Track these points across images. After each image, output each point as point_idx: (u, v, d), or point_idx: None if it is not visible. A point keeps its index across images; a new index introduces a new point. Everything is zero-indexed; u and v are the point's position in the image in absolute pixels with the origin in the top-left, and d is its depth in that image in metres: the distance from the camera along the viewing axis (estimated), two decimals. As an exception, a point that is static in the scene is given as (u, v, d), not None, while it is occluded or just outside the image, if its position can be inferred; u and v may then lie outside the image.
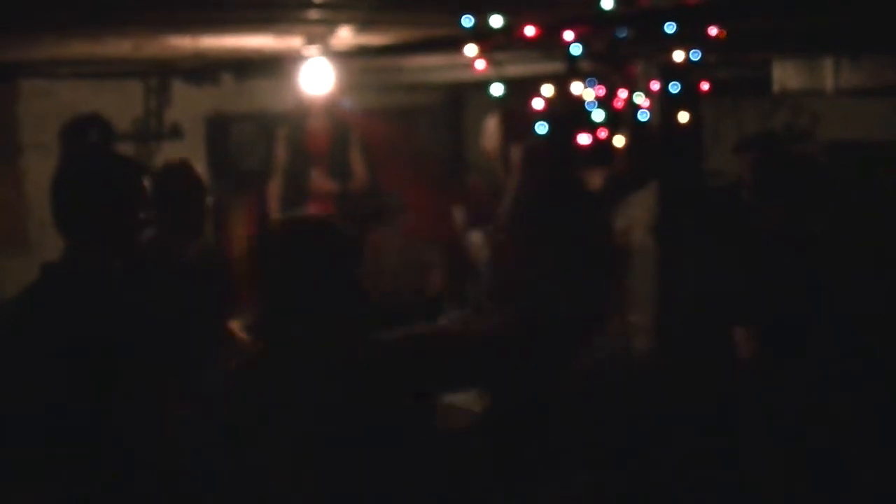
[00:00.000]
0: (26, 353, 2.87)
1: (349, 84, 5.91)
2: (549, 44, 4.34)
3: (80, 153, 6.04)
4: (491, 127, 5.47)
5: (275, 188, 6.74)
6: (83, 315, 2.90)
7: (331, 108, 6.46)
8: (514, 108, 5.03)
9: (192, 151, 6.94)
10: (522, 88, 4.86)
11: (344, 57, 5.39)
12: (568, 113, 4.60)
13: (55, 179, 3.05)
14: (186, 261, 4.26)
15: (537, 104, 4.53)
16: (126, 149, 6.67)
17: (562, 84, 4.53)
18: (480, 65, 4.44)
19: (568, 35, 4.17)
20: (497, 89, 4.62)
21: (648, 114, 4.81)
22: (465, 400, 5.24)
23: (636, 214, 5.92)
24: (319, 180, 6.55)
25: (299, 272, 2.81)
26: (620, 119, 4.71)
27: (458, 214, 6.35)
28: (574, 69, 4.45)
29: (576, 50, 4.23)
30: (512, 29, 4.09)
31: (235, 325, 4.14)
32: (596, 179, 5.07)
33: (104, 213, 2.98)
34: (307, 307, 2.78)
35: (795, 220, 5.90)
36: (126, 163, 3.18)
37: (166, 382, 2.97)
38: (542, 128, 4.51)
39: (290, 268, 2.83)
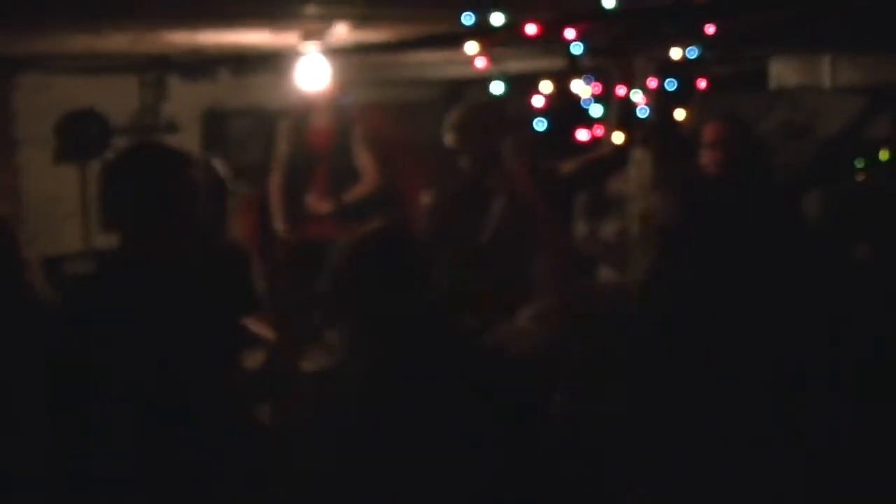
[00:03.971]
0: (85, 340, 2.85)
1: (346, 80, 5.89)
2: (550, 41, 4.33)
3: (80, 145, 6.06)
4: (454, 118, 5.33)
5: (276, 181, 6.65)
6: (134, 309, 2.86)
7: (333, 104, 6.40)
8: (494, 104, 4.93)
9: (187, 146, 6.93)
10: (522, 85, 4.85)
11: (341, 53, 5.38)
12: (566, 109, 4.58)
13: (108, 171, 3.00)
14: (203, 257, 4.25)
15: (537, 101, 4.52)
16: (122, 143, 6.65)
17: (561, 80, 4.52)
18: (481, 62, 4.43)
19: (569, 33, 4.16)
20: (498, 87, 4.60)
21: (648, 110, 4.80)
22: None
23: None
24: (314, 202, 6.46)
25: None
26: (620, 115, 4.69)
27: None
28: (575, 66, 4.44)
29: (577, 48, 4.22)
30: (513, 26, 4.08)
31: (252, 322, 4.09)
32: (567, 164, 4.98)
33: (161, 205, 2.93)
34: None
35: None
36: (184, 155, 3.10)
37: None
38: (541, 124, 4.50)
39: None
